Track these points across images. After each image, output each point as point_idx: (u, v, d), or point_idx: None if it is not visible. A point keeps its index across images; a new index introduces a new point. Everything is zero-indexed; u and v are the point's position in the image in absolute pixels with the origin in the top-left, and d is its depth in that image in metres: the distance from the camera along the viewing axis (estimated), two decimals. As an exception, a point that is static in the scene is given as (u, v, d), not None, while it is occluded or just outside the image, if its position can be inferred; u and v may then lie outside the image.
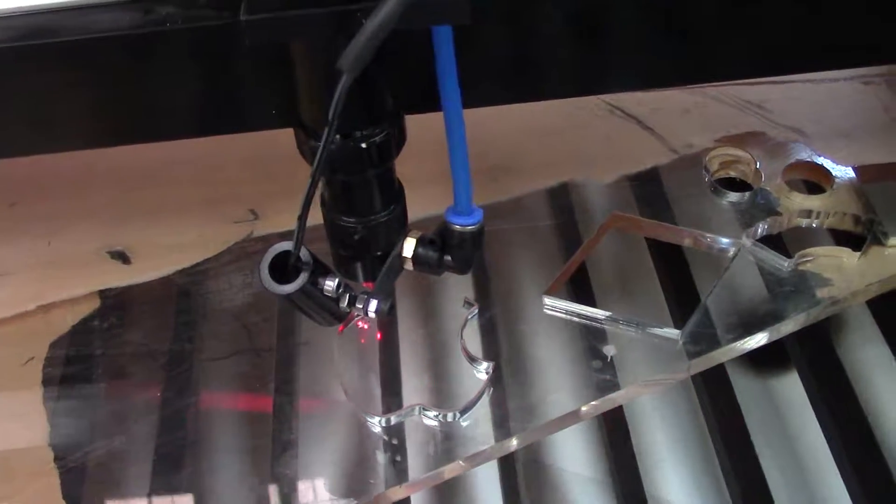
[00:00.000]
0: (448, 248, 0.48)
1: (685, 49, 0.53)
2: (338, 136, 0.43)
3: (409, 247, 0.48)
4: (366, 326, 0.60)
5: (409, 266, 0.49)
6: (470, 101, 0.46)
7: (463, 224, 0.47)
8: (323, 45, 0.39)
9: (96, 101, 0.50)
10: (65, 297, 0.62)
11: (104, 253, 0.65)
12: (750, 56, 0.54)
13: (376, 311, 0.47)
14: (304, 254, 0.42)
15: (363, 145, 0.43)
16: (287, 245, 0.42)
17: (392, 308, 0.48)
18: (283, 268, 0.42)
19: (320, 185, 0.47)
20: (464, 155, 0.44)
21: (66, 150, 0.55)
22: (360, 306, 0.46)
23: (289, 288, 0.42)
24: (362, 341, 0.60)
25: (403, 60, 0.43)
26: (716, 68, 0.55)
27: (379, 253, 0.49)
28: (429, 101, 0.43)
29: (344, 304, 0.46)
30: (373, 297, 0.47)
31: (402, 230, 0.49)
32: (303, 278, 0.42)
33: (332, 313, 0.46)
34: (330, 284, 0.44)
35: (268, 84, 0.50)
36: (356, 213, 0.47)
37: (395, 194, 0.48)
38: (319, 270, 0.44)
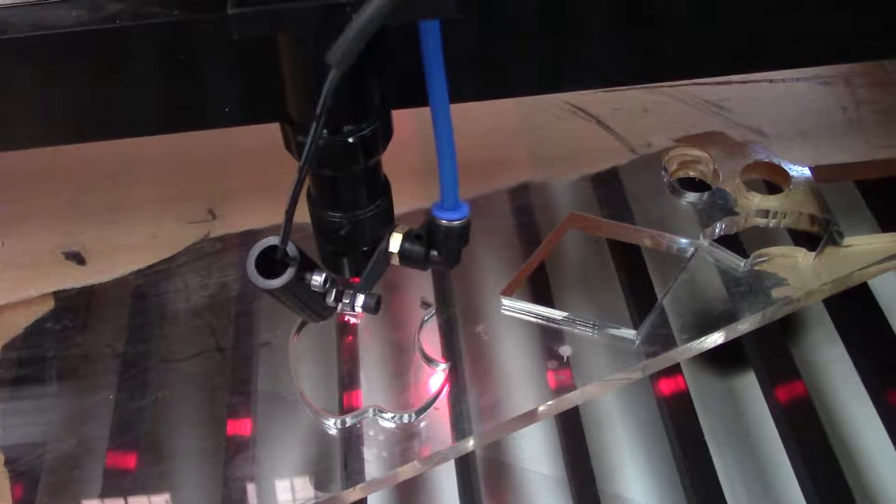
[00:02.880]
0: (434, 243, 0.48)
1: (651, 47, 0.53)
2: (325, 131, 0.42)
3: (395, 242, 0.48)
4: (351, 322, 0.60)
5: (395, 261, 0.49)
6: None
7: (449, 219, 0.47)
8: (310, 39, 0.39)
9: (49, 98, 0.50)
10: (18, 299, 0.61)
11: (59, 254, 0.64)
12: (715, 53, 0.54)
13: (363, 307, 0.47)
14: (291, 248, 0.42)
15: (351, 140, 0.43)
16: (274, 239, 0.42)
17: (379, 304, 0.47)
18: (271, 262, 0.42)
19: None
20: (451, 149, 0.44)
21: (17, 148, 0.54)
22: (347, 301, 0.46)
23: (276, 283, 0.42)
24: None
25: (390, 54, 0.43)
26: (682, 66, 0.55)
27: (365, 248, 0.49)
28: (416, 96, 0.43)
29: (330, 299, 0.46)
30: (359, 293, 0.47)
31: (389, 225, 0.49)
32: (290, 273, 0.42)
33: (319, 308, 0.46)
34: (317, 279, 0.44)
35: (222, 81, 0.50)
36: (342, 208, 0.47)
37: (381, 189, 0.48)
38: (306, 265, 0.44)
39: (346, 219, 0.47)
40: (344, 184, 0.46)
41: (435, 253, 0.48)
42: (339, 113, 0.42)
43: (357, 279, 0.49)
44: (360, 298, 0.47)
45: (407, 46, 0.41)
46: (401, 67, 0.43)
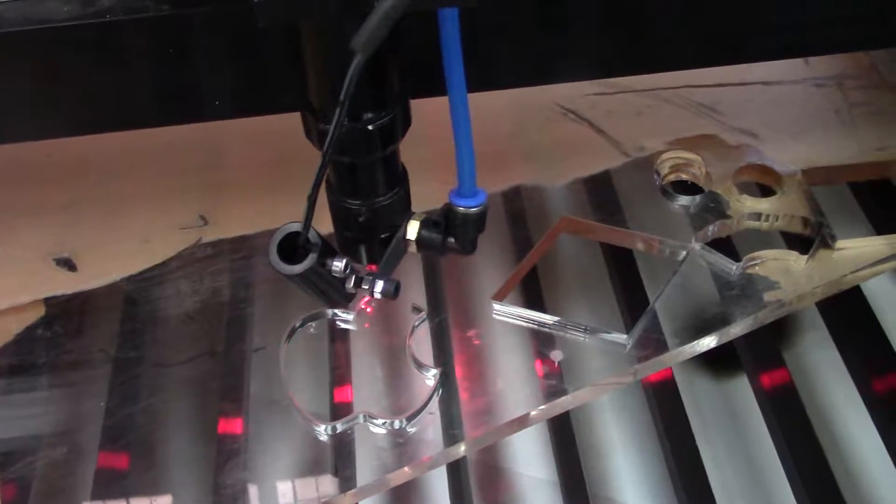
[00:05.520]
0: (452, 229, 0.49)
1: (636, 38, 0.54)
2: (345, 119, 0.42)
3: (412, 229, 0.49)
4: (369, 310, 0.60)
5: (412, 248, 0.50)
6: (422, 91, 0.47)
7: (467, 206, 0.48)
8: (333, 25, 0.40)
9: (40, 92, 0.50)
10: (9, 306, 0.61)
11: (50, 260, 0.64)
12: (699, 44, 0.55)
13: (382, 292, 0.47)
14: (312, 235, 0.43)
15: (370, 127, 0.43)
16: (296, 226, 0.43)
17: (398, 289, 0.48)
18: (292, 248, 0.43)
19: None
20: (468, 136, 0.45)
21: (9, 141, 0.54)
22: (367, 287, 0.47)
23: (297, 268, 0.43)
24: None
25: (408, 43, 0.43)
26: (666, 57, 0.56)
27: (383, 235, 0.49)
28: (433, 85, 0.44)
29: (350, 285, 0.46)
30: (378, 279, 0.47)
31: (406, 212, 0.50)
32: (311, 259, 0.43)
33: (339, 294, 0.47)
34: (338, 265, 0.45)
35: (211, 75, 0.51)
36: (361, 196, 0.47)
37: (399, 176, 0.49)
38: (327, 251, 0.45)
39: (365, 206, 0.47)
40: (363, 171, 0.46)
41: (452, 240, 0.49)
42: (360, 100, 0.42)
43: (375, 266, 0.50)
44: (380, 284, 0.47)
45: (425, 35, 0.41)
46: (419, 56, 0.43)
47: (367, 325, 0.60)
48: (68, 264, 0.64)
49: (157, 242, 0.64)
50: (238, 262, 0.64)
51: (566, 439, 0.58)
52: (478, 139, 0.69)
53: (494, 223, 0.66)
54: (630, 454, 0.61)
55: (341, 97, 0.38)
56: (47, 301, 0.62)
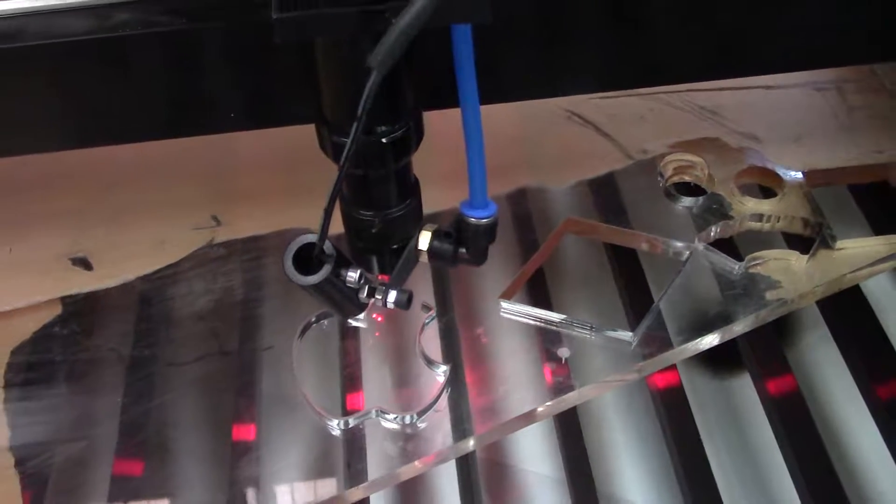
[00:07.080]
0: (463, 240, 0.50)
1: (642, 51, 0.54)
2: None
3: (424, 240, 0.50)
4: (380, 319, 0.61)
5: (424, 259, 0.50)
6: (432, 103, 0.48)
7: (478, 217, 0.48)
8: (350, 43, 0.40)
9: (59, 103, 0.52)
10: (26, 304, 0.62)
11: (66, 260, 0.65)
12: (705, 57, 0.56)
13: (395, 302, 0.48)
14: (327, 246, 0.44)
15: (384, 140, 0.44)
16: (311, 237, 0.44)
17: (411, 299, 0.49)
18: (307, 259, 0.44)
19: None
20: (480, 149, 0.45)
21: (28, 152, 0.56)
22: (380, 297, 0.48)
23: (312, 279, 0.44)
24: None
25: (421, 57, 0.44)
26: (672, 70, 0.57)
27: (395, 246, 0.50)
28: (445, 97, 0.44)
29: (363, 295, 0.47)
30: (392, 289, 0.48)
31: (418, 223, 0.50)
32: (326, 270, 0.44)
33: (352, 304, 0.48)
34: (352, 276, 0.46)
35: (226, 87, 0.52)
36: (374, 207, 0.48)
37: (411, 188, 0.49)
38: (342, 262, 0.45)
39: (378, 217, 0.48)
40: (376, 183, 0.47)
41: (463, 250, 0.50)
42: (375, 114, 0.43)
43: (387, 276, 0.50)
44: (393, 294, 0.48)
45: (438, 49, 0.42)
46: (432, 69, 0.44)
47: (377, 334, 0.61)
48: (84, 264, 0.65)
49: (171, 242, 0.66)
50: (250, 262, 0.65)
51: (573, 437, 0.59)
52: (484, 141, 0.71)
53: (501, 224, 0.65)
54: (636, 453, 0.62)
55: (358, 113, 0.38)
56: (64, 300, 0.63)
